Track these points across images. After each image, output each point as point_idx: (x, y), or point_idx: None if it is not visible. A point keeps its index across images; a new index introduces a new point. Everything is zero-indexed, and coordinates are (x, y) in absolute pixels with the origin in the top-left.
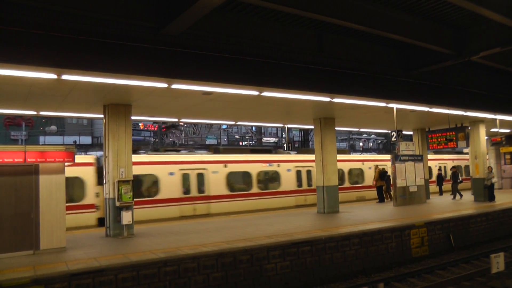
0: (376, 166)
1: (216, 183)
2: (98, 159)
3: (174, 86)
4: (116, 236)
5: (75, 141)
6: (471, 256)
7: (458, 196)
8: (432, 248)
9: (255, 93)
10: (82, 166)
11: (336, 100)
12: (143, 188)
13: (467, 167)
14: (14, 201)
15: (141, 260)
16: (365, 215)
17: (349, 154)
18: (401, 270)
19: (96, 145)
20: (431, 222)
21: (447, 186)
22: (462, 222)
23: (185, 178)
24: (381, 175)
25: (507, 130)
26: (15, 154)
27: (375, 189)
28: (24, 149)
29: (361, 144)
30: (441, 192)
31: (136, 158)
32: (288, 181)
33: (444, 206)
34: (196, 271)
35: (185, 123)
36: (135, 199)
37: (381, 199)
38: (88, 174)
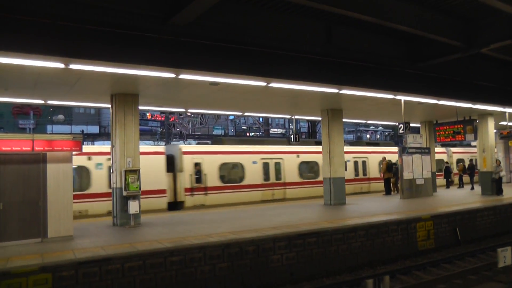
0: (384, 158)
1: (291, 171)
2: None
3: (182, 76)
4: (123, 225)
5: (82, 130)
6: (477, 250)
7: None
8: (438, 242)
9: (263, 84)
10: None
11: (343, 91)
12: (233, 174)
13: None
14: (22, 189)
15: (147, 250)
16: (372, 208)
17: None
18: (406, 263)
19: (103, 135)
20: (437, 215)
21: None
22: (469, 216)
23: (266, 166)
24: (389, 167)
25: None
26: (23, 143)
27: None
28: (32, 137)
29: (368, 136)
30: (448, 185)
31: (228, 148)
32: (350, 171)
33: (451, 199)
34: (202, 261)
35: (192, 113)
36: (228, 184)
37: (388, 191)
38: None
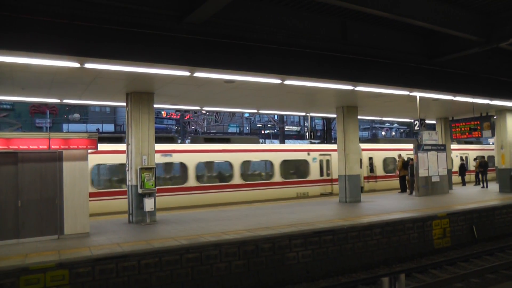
0: (399, 155)
1: None
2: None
3: (197, 74)
4: (138, 222)
5: (98, 129)
6: (495, 248)
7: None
8: (454, 240)
9: (278, 81)
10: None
11: (359, 88)
12: (389, 166)
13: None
14: (40, 187)
15: (163, 247)
16: (387, 205)
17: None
18: (422, 261)
19: (119, 133)
20: (453, 213)
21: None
22: (486, 214)
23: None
24: (404, 164)
25: None
26: (40, 141)
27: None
28: (49, 136)
29: (383, 133)
30: (464, 183)
31: (385, 146)
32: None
33: (467, 197)
34: (218, 259)
35: (207, 111)
36: (387, 174)
37: (403, 189)
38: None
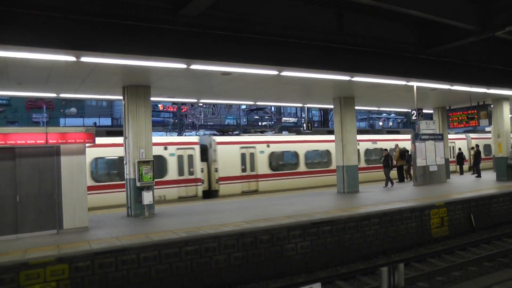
0: (396, 145)
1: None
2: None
3: (193, 66)
4: (137, 216)
5: (95, 123)
6: (492, 237)
7: (389, 184)
8: (452, 229)
9: (275, 72)
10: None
11: (356, 79)
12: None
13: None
14: (38, 182)
15: (162, 240)
16: (385, 195)
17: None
18: (420, 251)
19: (116, 127)
20: (451, 202)
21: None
22: (484, 202)
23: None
24: (402, 154)
25: None
26: (37, 136)
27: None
28: (46, 130)
29: (380, 123)
30: (461, 172)
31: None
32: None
33: (464, 186)
34: (217, 251)
35: (204, 103)
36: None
37: (401, 179)
38: None
